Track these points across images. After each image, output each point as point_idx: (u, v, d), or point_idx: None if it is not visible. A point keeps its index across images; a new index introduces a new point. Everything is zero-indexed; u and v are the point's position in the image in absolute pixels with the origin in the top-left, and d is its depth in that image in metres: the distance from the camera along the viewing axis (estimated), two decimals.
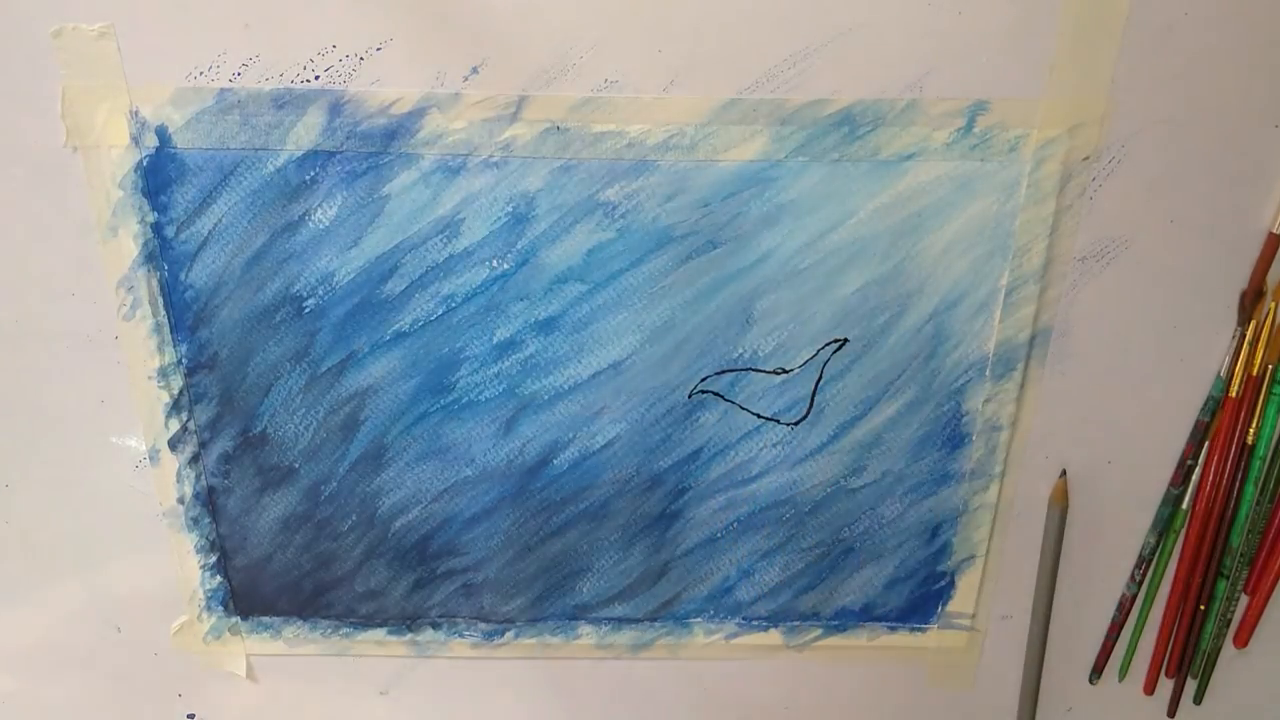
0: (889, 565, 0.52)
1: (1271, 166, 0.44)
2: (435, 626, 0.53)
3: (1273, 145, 0.43)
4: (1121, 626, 0.54)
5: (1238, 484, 0.50)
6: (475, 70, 0.41)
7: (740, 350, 0.47)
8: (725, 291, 0.45)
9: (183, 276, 0.45)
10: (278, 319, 0.46)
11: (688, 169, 0.43)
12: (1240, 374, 0.47)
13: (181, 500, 0.50)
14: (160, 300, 0.45)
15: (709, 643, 0.54)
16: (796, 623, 0.54)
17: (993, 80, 0.41)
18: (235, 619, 0.53)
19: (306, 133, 0.42)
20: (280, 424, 0.48)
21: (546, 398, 0.47)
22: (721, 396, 0.48)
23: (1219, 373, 0.48)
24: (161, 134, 0.42)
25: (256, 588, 0.52)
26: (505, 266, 0.45)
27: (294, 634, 0.54)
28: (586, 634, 0.54)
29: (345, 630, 0.54)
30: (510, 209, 0.44)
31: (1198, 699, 0.56)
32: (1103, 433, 0.49)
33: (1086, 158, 0.43)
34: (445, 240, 0.44)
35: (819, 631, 0.54)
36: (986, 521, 0.51)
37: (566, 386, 0.47)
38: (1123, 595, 0.54)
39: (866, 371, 0.47)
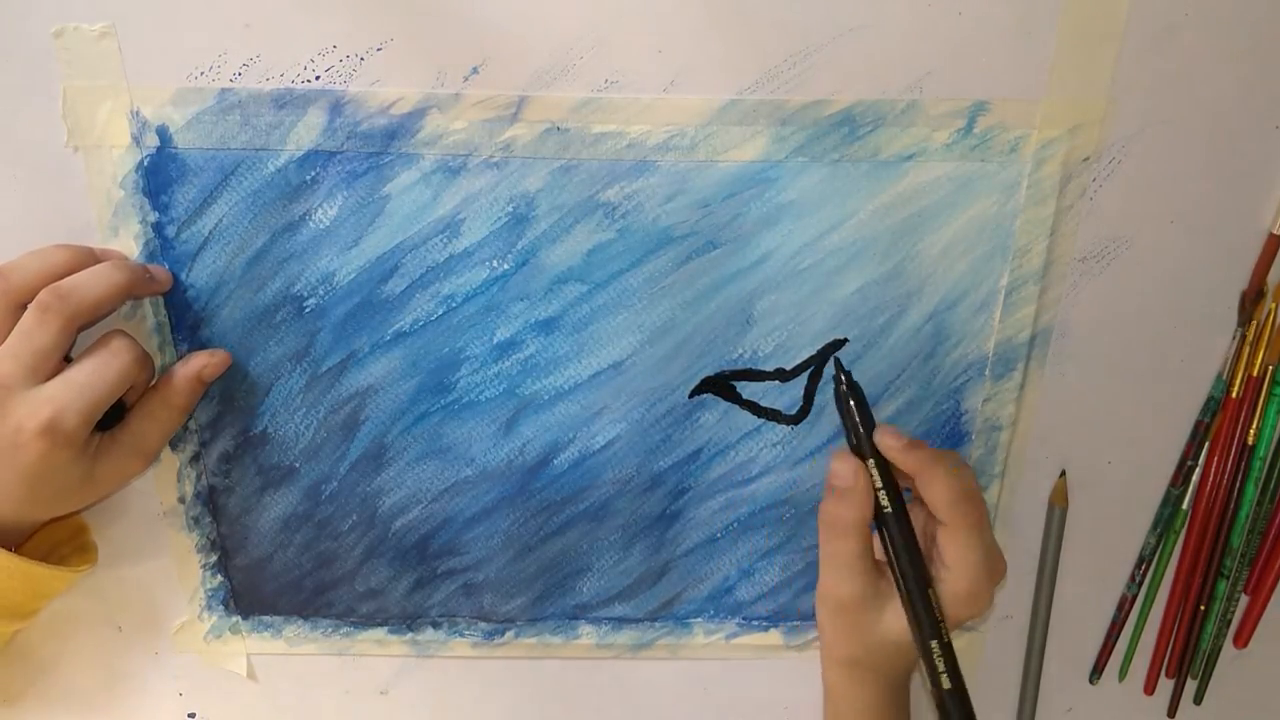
0: None
1: (1271, 166, 0.44)
2: (435, 626, 0.53)
3: (1273, 145, 0.43)
4: (1121, 626, 0.54)
5: (1238, 484, 0.50)
6: (475, 70, 0.41)
7: (740, 350, 0.47)
8: (725, 292, 0.45)
9: (183, 276, 0.45)
10: (278, 319, 0.46)
11: (688, 169, 0.43)
12: (1240, 374, 0.47)
13: (182, 500, 0.50)
14: (161, 300, 0.45)
15: (709, 643, 0.54)
16: (796, 623, 0.54)
17: (993, 81, 0.41)
18: (236, 618, 0.53)
19: (307, 133, 0.42)
20: (281, 423, 0.48)
21: (546, 398, 0.47)
22: (721, 397, 0.48)
23: (1219, 373, 0.48)
24: (162, 134, 0.42)
25: (257, 587, 0.52)
26: (505, 267, 0.45)
27: (294, 633, 0.54)
28: (586, 634, 0.54)
29: (345, 630, 0.54)
30: (510, 209, 0.44)
31: (1198, 699, 0.56)
32: (1103, 433, 0.49)
33: (1087, 158, 0.43)
34: (445, 240, 0.44)
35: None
36: None
37: (566, 387, 0.47)
38: (1123, 595, 0.54)
39: (866, 371, 0.47)
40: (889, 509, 0.43)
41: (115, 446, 0.43)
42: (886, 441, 0.42)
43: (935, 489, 0.42)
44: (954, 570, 0.42)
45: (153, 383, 0.45)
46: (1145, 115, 0.42)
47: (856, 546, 0.43)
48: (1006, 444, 0.49)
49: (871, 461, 0.43)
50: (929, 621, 0.42)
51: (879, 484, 0.43)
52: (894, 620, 0.43)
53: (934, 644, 0.42)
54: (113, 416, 0.43)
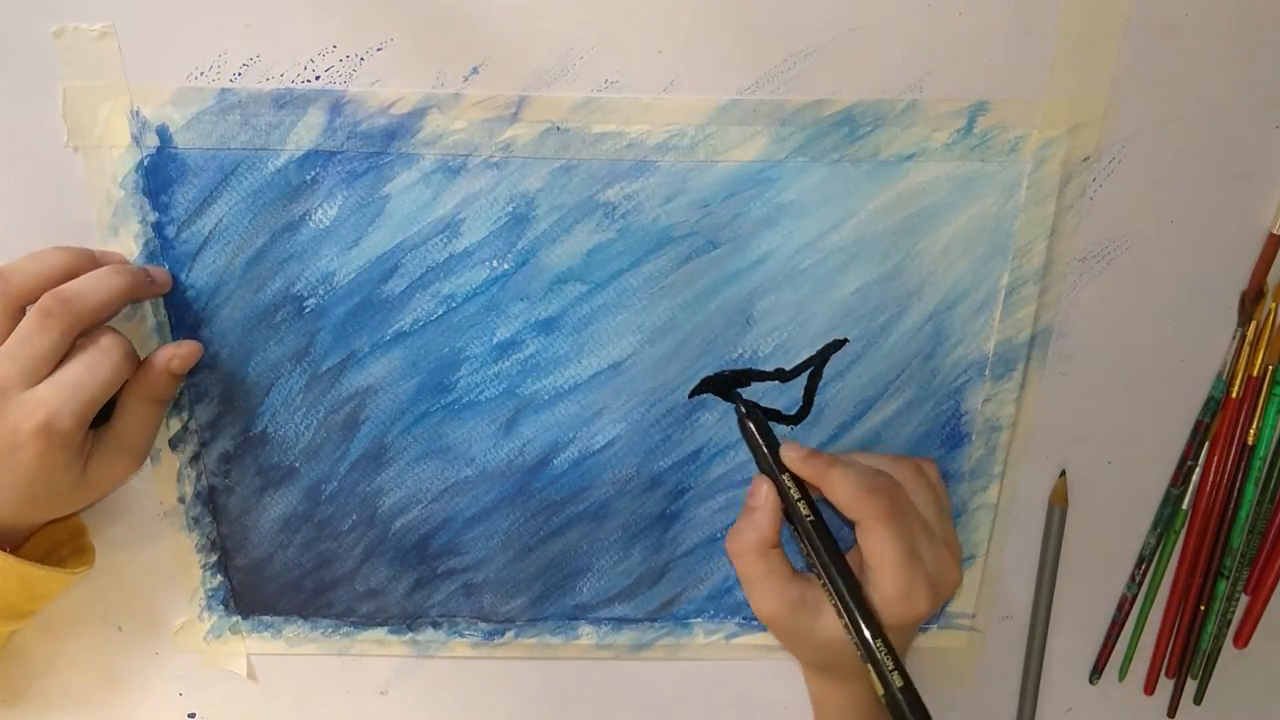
0: None
1: (1271, 166, 0.44)
2: (435, 626, 0.53)
3: (1273, 145, 0.43)
4: (1121, 626, 0.54)
5: (1238, 484, 0.50)
6: (475, 70, 0.41)
7: (740, 350, 0.47)
8: (725, 292, 0.45)
9: (183, 276, 0.45)
10: (278, 319, 0.46)
11: (688, 169, 0.43)
12: (1240, 374, 0.47)
13: (182, 500, 0.50)
14: (161, 300, 0.45)
15: (709, 643, 0.54)
16: None
17: (993, 80, 0.41)
18: (236, 618, 0.53)
19: (307, 133, 0.42)
20: (281, 424, 0.48)
21: (546, 398, 0.47)
22: (721, 397, 0.48)
23: (1219, 373, 0.48)
24: (162, 134, 0.42)
25: (257, 587, 0.52)
26: (505, 267, 0.45)
27: (294, 633, 0.54)
28: (586, 634, 0.54)
29: (345, 630, 0.54)
30: (510, 209, 0.44)
31: (1198, 699, 0.56)
32: (1103, 433, 0.49)
33: (1087, 158, 0.43)
34: (445, 240, 0.44)
35: None
36: (986, 522, 0.51)
37: (566, 387, 0.47)
38: (1123, 595, 0.54)
39: (866, 371, 0.47)
40: (810, 517, 0.44)
41: (103, 446, 0.43)
42: (788, 454, 0.44)
43: (834, 488, 0.43)
44: (876, 570, 0.43)
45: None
46: (1145, 115, 0.42)
47: (763, 565, 0.44)
48: (1006, 444, 0.49)
49: (787, 476, 0.44)
50: (864, 621, 0.42)
51: (797, 496, 0.44)
52: (831, 623, 0.44)
53: (877, 643, 0.42)
54: (102, 415, 0.43)
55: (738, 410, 0.46)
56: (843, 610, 0.43)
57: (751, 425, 0.45)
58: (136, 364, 0.43)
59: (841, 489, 0.43)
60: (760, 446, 0.45)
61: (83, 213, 0.43)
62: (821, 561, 0.43)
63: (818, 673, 0.48)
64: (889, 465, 0.45)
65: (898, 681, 0.42)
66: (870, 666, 0.42)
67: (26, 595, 0.45)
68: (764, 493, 0.45)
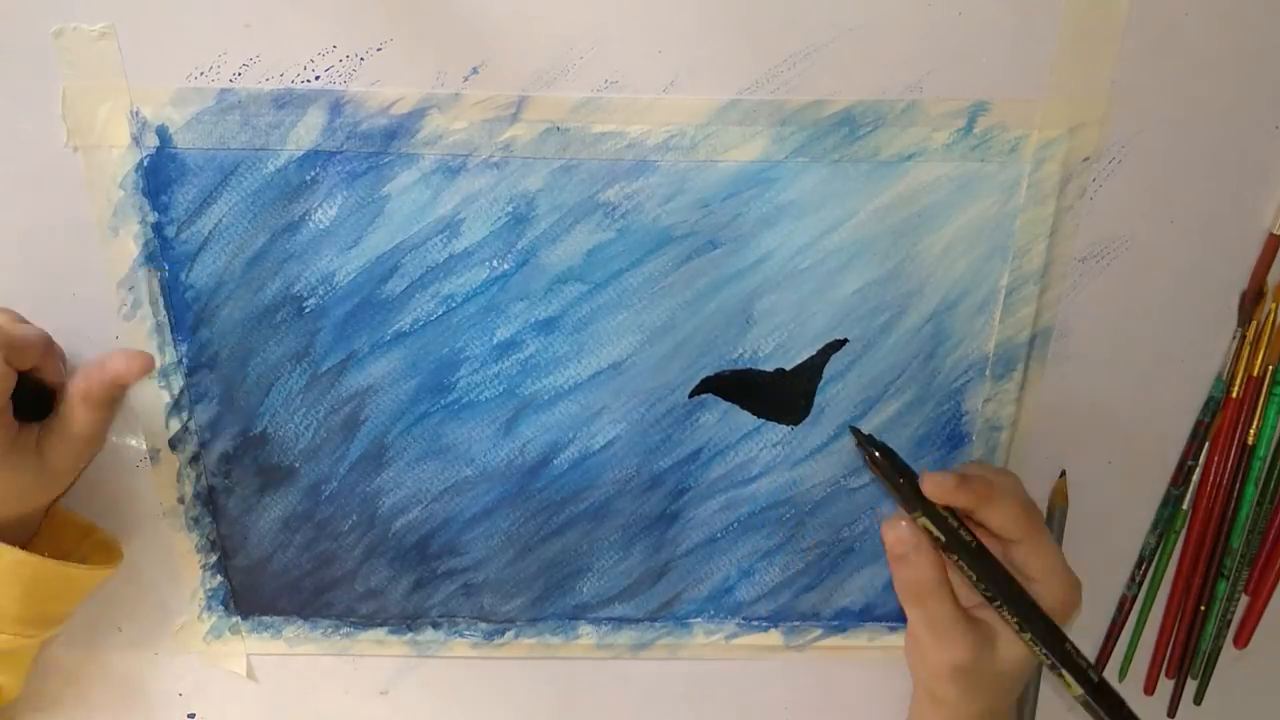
0: None
1: (1271, 166, 0.44)
2: (435, 626, 0.53)
3: (1273, 145, 0.43)
4: (1121, 626, 0.54)
5: (1238, 485, 0.50)
6: (475, 70, 0.41)
7: (740, 350, 0.47)
8: (725, 292, 0.45)
9: (183, 276, 0.45)
10: (278, 319, 0.46)
11: (688, 169, 0.43)
12: (1240, 374, 0.47)
13: (182, 500, 0.50)
14: (161, 300, 0.45)
15: (709, 643, 0.54)
16: (796, 623, 0.54)
17: (993, 81, 0.41)
18: (235, 619, 0.53)
19: (307, 133, 0.42)
20: (280, 424, 0.48)
21: (546, 398, 0.47)
22: (721, 397, 0.48)
23: (1219, 373, 0.48)
24: (162, 134, 0.42)
25: (257, 587, 0.52)
26: (505, 267, 0.45)
27: (294, 634, 0.54)
28: (586, 634, 0.54)
29: (345, 630, 0.54)
30: (510, 209, 0.44)
31: (1198, 699, 0.56)
32: (1103, 433, 0.49)
33: (1087, 158, 0.43)
34: (445, 240, 0.44)
35: (819, 632, 0.54)
36: None
37: (566, 387, 0.47)
38: (1123, 595, 0.54)
39: (866, 372, 0.47)
40: (972, 542, 0.41)
41: (54, 436, 0.43)
42: (934, 491, 0.40)
43: (1003, 510, 0.41)
44: (1043, 582, 0.42)
45: (74, 375, 0.44)
46: (1145, 115, 0.42)
47: (948, 604, 0.41)
48: (1006, 444, 0.49)
49: (920, 513, 0.41)
50: (1051, 630, 0.42)
51: (956, 524, 0.41)
52: (1008, 651, 0.42)
53: (1067, 646, 0.42)
54: (44, 404, 0.43)
55: (869, 456, 0.42)
56: (1027, 626, 0.41)
57: (892, 469, 0.41)
58: (34, 348, 0.42)
59: (1007, 512, 0.41)
60: (899, 486, 0.41)
61: (83, 213, 0.43)
62: (993, 584, 0.41)
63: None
64: (987, 472, 0.44)
65: (1094, 679, 0.42)
66: (1066, 673, 0.41)
67: (59, 596, 0.46)
68: (909, 535, 0.41)
